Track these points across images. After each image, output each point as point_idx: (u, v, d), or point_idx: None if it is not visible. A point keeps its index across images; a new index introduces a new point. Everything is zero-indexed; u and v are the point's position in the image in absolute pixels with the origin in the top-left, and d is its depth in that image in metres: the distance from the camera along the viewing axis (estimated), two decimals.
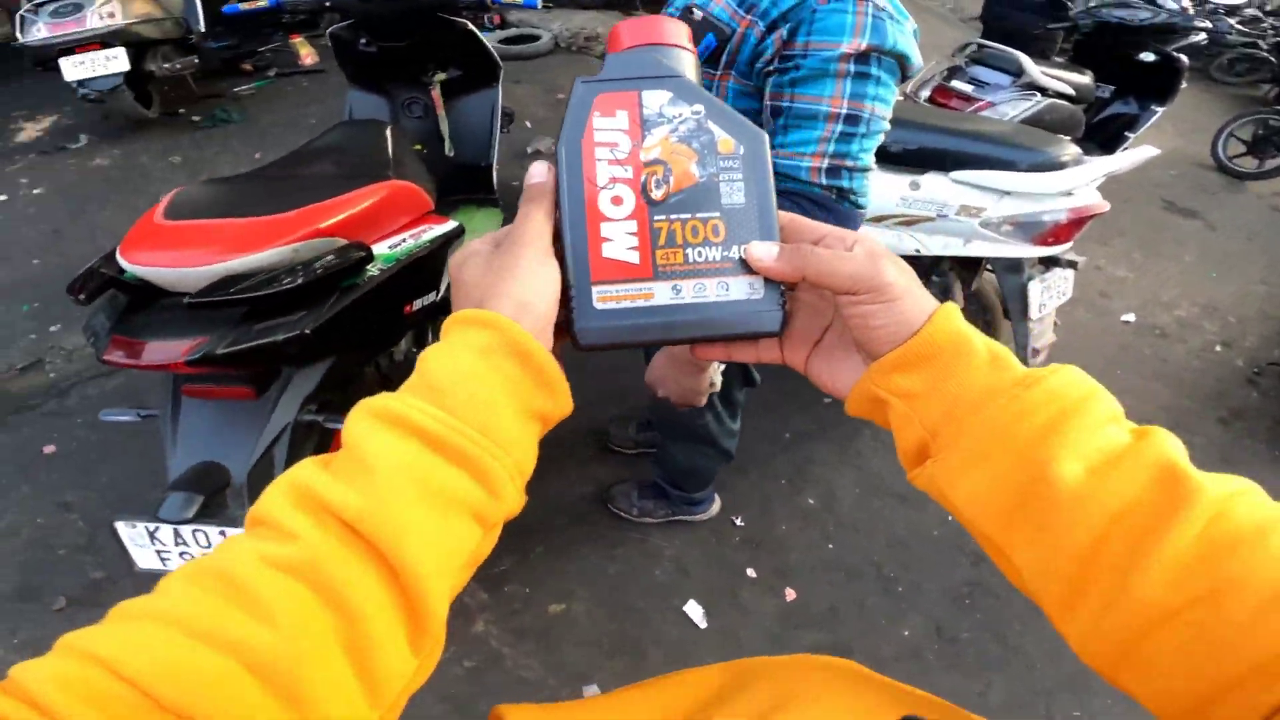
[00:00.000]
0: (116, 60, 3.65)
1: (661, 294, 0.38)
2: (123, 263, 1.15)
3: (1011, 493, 0.33)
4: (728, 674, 0.48)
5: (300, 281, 1.13)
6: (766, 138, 0.39)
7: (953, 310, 0.37)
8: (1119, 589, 0.30)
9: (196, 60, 4.30)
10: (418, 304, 1.49)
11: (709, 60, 0.91)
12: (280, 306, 1.17)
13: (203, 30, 4.27)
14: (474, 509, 0.32)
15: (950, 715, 0.41)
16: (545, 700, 1.44)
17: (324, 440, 1.31)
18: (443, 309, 1.72)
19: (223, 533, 1.11)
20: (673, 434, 1.60)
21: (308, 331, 1.15)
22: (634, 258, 0.37)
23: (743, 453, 1.96)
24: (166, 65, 4.10)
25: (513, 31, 5.21)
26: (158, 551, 1.14)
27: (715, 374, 0.97)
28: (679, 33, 0.40)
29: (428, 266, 1.47)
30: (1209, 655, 0.27)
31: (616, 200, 0.37)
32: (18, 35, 3.67)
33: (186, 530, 1.11)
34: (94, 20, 3.63)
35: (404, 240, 1.42)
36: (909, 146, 1.93)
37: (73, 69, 3.64)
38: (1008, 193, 1.85)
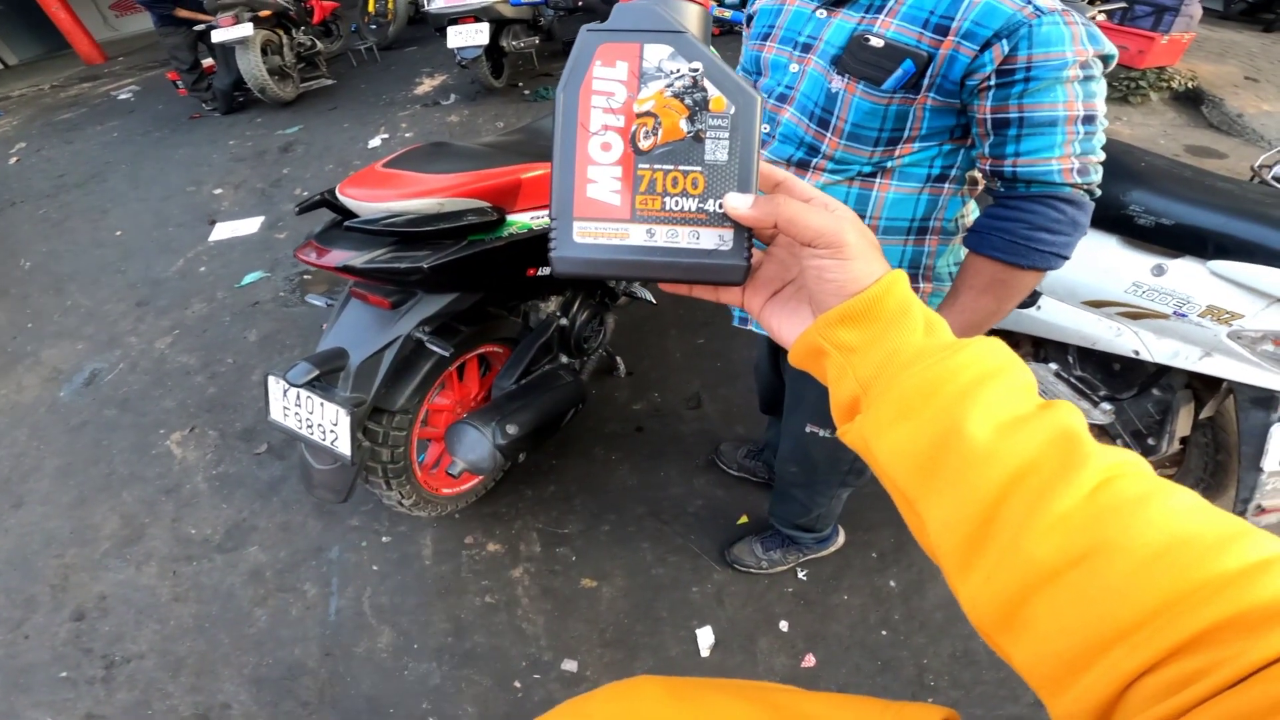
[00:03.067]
0: (481, 34, 4.52)
1: (636, 235, 0.41)
2: (337, 192, 1.50)
3: (927, 445, 0.35)
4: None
5: (426, 228, 1.37)
6: (759, 100, 0.41)
7: (899, 277, 0.39)
8: (1011, 548, 0.31)
9: (537, 40, 5.10)
10: (543, 271, 1.67)
11: (908, 86, 0.92)
12: (414, 243, 1.42)
13: (554, 14, 5.05)
14: None
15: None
16: (515, 655, 1.54)
17: (422, 354, 1.56)
18: (573, 282, 1.90)
19: (321, 404, 1.41)
20: (824, 478, 1.47)
21: (424, 266, 1.39)
22: (615, 200, 0.41)
23: (850, 515, 1.84)
24: (516, 43, 4.96)
25: None
26: (283, 408, 1.49)
27: None
28: None
29: None
30: (1082, 617, 0.29)
31: (605, 146, 0.40)
32: (424, 4, 4.77)
33: (299, 393, 1.44)
34: None
35: (546, 216, 1.60)
36: (1165, 221, 1.50)
37: (454, 37, 4.60)
38: (1278, 300, 1.38)
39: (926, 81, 0.90)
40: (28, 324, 3.18)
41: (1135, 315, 1.57)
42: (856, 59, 0.93)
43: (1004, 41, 0.83)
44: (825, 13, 0.98)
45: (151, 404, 2.56)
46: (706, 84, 0.40)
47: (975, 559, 0.33)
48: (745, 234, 0.41)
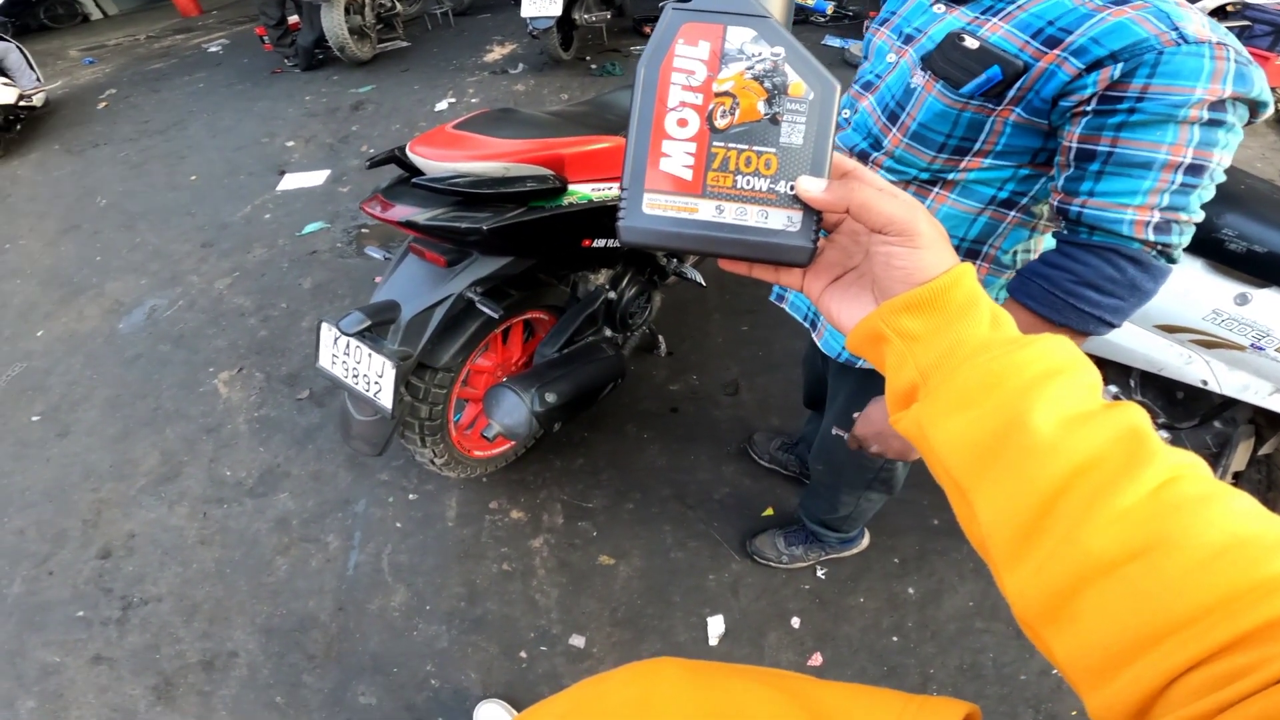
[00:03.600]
0: (555, 4, 4.51)
1: (705, 211, 0.42)
2: (407, 149, 1.52)
3: (988, 435, 0.35)
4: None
5: (488, 191, 1.38)
6: (839, 89, 0.41)
7: (968, 270, 0.39)
8: (1068, 539, 0.31)
9: (609, 16, 5.06)
10: (599, 242, 1.66)
11: (990, 94, 0.83)
12: (476, 204, 1.44)
13: None
14: None
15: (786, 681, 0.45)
16: (524, 626, 1.57)
17: (471, 314, 1.57)
18: (625, 256, 1.90)
19: (370, 354, 1.44)
20: (845, 479, 1.46)
21: (484, 228, 1.40)
22: (687, 175, 0.41)
23: (876, 519, 1.79)
24: (588, 16, 4.94)
25: None
26: (333, 356, 1.53)
27: None
28: None
29: (615, 215, 1.63)
30: (1136, 610, 0.29)
31: (682, 122, 0.41)
32: None
33: (349, 342, 1.47)
34: None
35: (606, 189, 1.59)
36: (1258, 248, 1.40)
37: (528, 6, 4.60)
38: None
39: (1014, 93, 0.81)
40: (96, 257, 3.34)
41: (1210, 344, 1.49)
42: (945, 57, 0.85)
43: (1119, 65, 0.72)
44: (943, 8, 0.89)
45: (204, 342, 2.67)
46: (787, 69, 0.40)
47: (1028, 549, 0.33)
48: (814, 217, 0.41)
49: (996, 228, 0.95)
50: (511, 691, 1.56)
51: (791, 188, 0.41)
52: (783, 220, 0.41)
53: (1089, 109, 0.76)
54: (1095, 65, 0.74)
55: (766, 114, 0.41)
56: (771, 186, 0.41)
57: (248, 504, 2.02)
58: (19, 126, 4.79)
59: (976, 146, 0.88)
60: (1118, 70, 0.73)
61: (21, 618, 1.77)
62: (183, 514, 2.01)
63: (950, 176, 0.93)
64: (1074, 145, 0.78)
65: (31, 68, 4.89)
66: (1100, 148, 0.76)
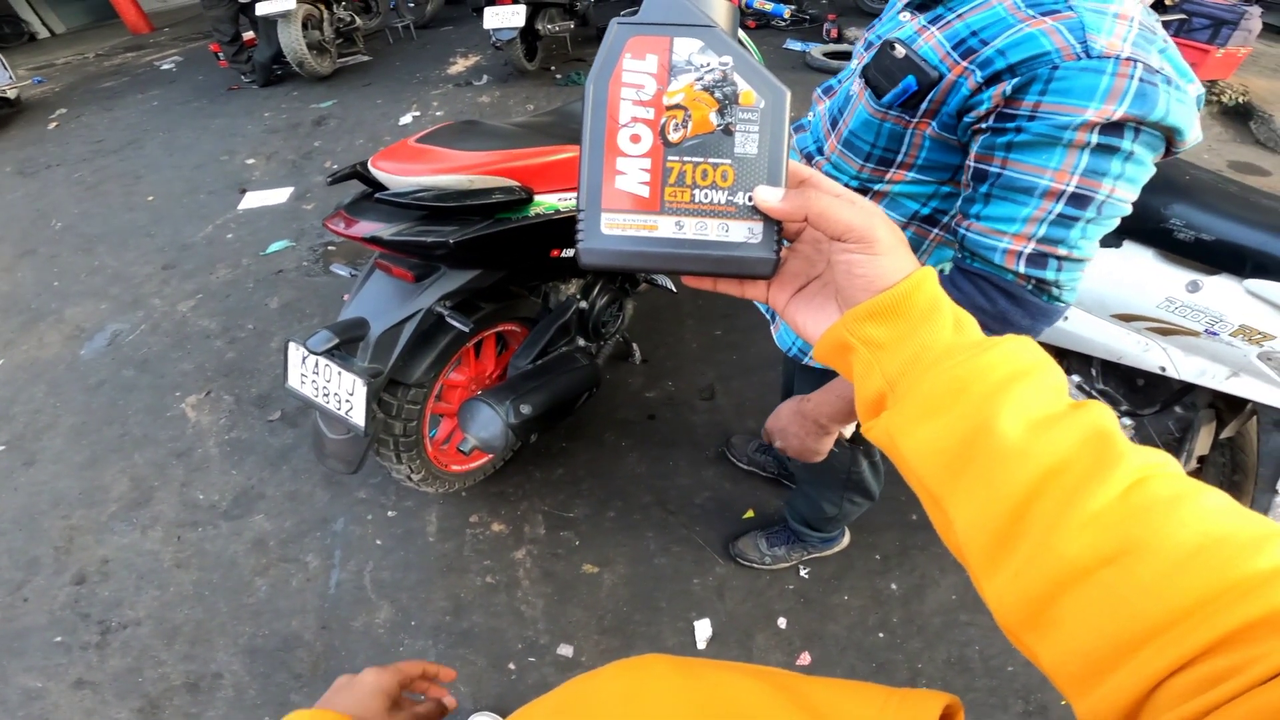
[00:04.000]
0: (517, 16, 4.52)
1: (665, 227, 0.41)
2: (369, 164, 1.51)
3: (956, 442, 0.35)
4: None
5: (454, 204, 1.37)
6: (788, 95, 0.40)
7: (929, 274, 0.39)
8: (1041, 545, 0.31)
9: (572, 25, 5.08)
10: (568, 252, 1.66)
11: (905, 105, 0.79)
12: (441, 217, 1.42)
13: (591, 0, 5.02)
14: None
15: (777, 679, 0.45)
16: (512, 637, 1.56)
17: (442, 328, 1.56)
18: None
19: (339, 373, 1.42)
20: (821, 480, 1.50)
21: (450, 241, 1.39)
22: (644, 191, 0.41)
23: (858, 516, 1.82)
24: (551, 26, 4.95)
25: (843, 47, 5.10)
26: (301, 375, 1.50)
27: (848, 429, 0.97)
28: None
29: None
30: (1113, 616, 0.28)
31: (635, 138, 0.40)
32: None
33: (317, 361, 1.45)
34: None
35: (574, 198, 1.59)
36: (1205, 236, 1.45)
37: (491, 18, 4.60)
38: None
39: (927, 106, 0.77)
40: (54, 282, 3.25)
41: (1165, 331, 1.54)
42: (876, 66, 0.80)
43: (1014, 80, 0.67)
44: (907, 16, 0.84)
45: (170, 366, 2.60)
46: (736, 78, 0.40)
47: (1004, 556, 0.32)
48: (774, 227, 0.41)
49: (920, 244, 0.92)
50: (502, 703, 1.54)
51: (750, 199, 0.40)
52: (744, 232, 0.41)
53: (985, 126, 0.72)
54: (994, 79, 0.69)
55: (719, 125, 0.40)
56: (730, 199, 0.40)
57: (223, 526, 1.98)
58: None
59: (899, 159, 0.85)
60: (1010, 86, 0.68)
61: (0, 643, 1.73)
62: (156, 538, 1.96)
63: (877, 188, 0.90)
64: (971, 165, 0.75)
65: (5, 68, 5.59)
66: (991, 168, 0.72)
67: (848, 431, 0.98)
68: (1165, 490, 0.30)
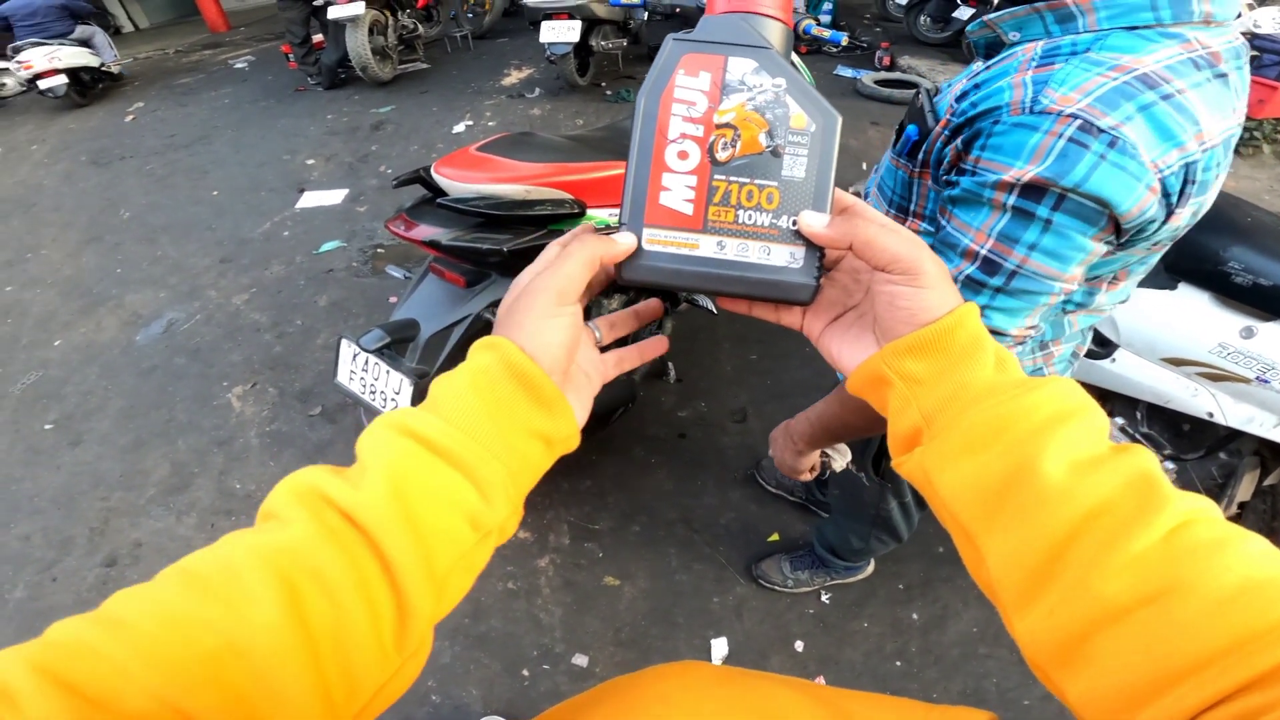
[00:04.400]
0: (573, 31, 4.61)
1: (706, 246, 0.40)
2: (432, 170, 1.57)
3: (996, 481, 0.35)
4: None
5: (510, 213, 1.42)
6: (839, 120, 0.40)
7: (972, 310, 0.38)
8: (1079, 584, 0.31)
9: (625, 42, 5.17)
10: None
11: (909, 154, 0.79)
12: (497, 225, 1.47)
13: (644, 18, 5.11)
14: (466, 511, 0.35)
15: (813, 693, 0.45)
16: (528, 644, 1.56)
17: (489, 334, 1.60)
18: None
19: (388, 371, 1.47)
20: (851, 513, 1.50)
21: (504, 249, 1.44)
22: (688, 209, 0.40)
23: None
24: (605, 43, 5.04)
25: (895, 75, 5.08)
26: (350, 372, 1.56)
27: (837, 460, 1.00)
28: (776, 2, 0.41)
29: None
30: (1149, 654, 0.28)
31: (683, 155, 0.40)
32: None
33: (368, 359, 1.50)
34: None
35: None
36: (1263, 281, 1.42)
37: (547, 32, 4.70)
38: None
39: (921, 156, 0.77)
40: (117, 269, 3.41)
41: (1216, 377, 1.50)
42: (907, 111, 0.81)
43: (966, 133, 0.67)
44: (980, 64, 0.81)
45: (220, 356, 2.71)
46: (789, 100, 0.39)
47: (1039, 593, 0.32)
48: (817, 253, 0.40)
49: None
50: (513, 709, 1.56)
51: (794, 223, 0.40)
52: (785, 256, 0.40)
53: (946, 179, 0.72)
54: (956, 132, 0.69)
55: (768, 146, 0.40)
56: (774, 221, 0.40)
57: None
58: (100, 86, 6.39)
59: (911, 208, 0.85)
60: (963, 139, 0.67)
61: (22, 623, 1.78)
62: (191, 525, 2.03)
63: None
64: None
65: (110, 47, 6.52)
66: (940, 220, 0.71)
67: (839, 461, 1.00)
68: (1208, 535, 0.30)
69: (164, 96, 6.21)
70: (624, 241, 0.40)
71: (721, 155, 0.40)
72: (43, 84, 5.69)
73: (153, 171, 4.53)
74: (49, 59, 5.66)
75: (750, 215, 0.40)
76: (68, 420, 2.44)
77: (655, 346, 0.50)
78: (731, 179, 0.40)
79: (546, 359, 0.38)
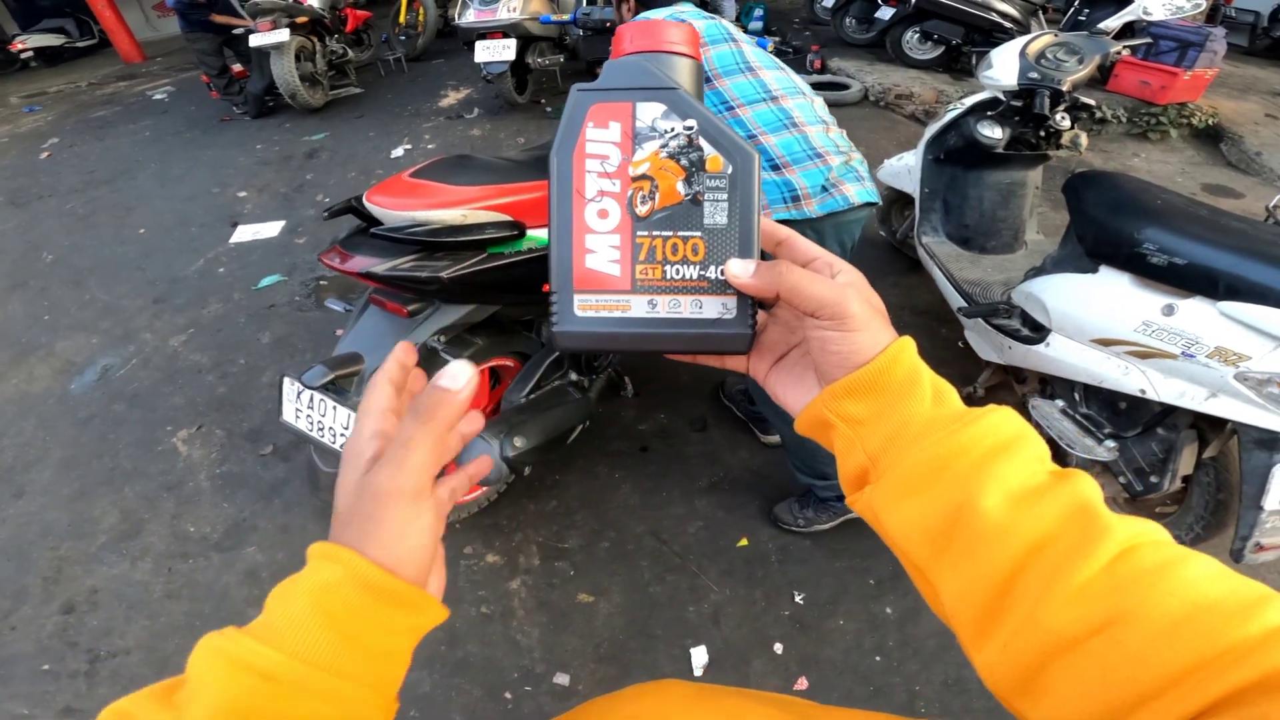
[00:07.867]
0: (508, 50, 4.60)
1: (638, 307, 0.39)
2: (364, 199, 1.54)
3: (939, 520, 0.35)
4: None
5: (447, 239, 1.40)
6: (757, 158, 0.39)
7: (906, 345, 0.38)
8: (1029, 619, 0.31)
9: (562, 59, 5.18)
10: None
11: None
12: (435, 252, 1.45)
13: (580, 33, 5.13)
14: None
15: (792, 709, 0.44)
16: (507, 667, 1.54)
17: (436, 363, 1.58)
18: None
19: (334, 407, 1.43)
20: (787, 419, 1.62)
21: (443, 276, 1.41)
22: (615, 270, 0.39)
23: (850, 542, 1.87)
24: (541, 60, 5.04)
25: (826, 78, 5.23)
26: (296, 410, 1.51)
27: None
28: (681, 38, 0.40)
29: None
30: (1104, 683, 0.29)
31: (603, 214, 0.38)
32: (454, 18, 4.87)
33: (312, 395, 1.46)
34: (503, 12, 4.62)
35: None
36: (1178, 260, 1.50)
37: (481, 52, 4.68)
38: None
39: None
40: (44, 315, 3.24)
41: (1144, 354, 1.58)
42: None
43: None
44: None
45: (161, 400, 2.59)
46: (702, 142, 0.38)
47: (992, 629, 0.33)
48: (749, 301, 0.40)
49: None
50: None
51: (722, 273, 0.39)
52: (718, 308, 0.39)
53: None
54: None
55: (687, 195, 0.38)
56: (702, 273, 0.39)
57: (214, 558, 1.97)
58: None
59: None
60: None
61: None
62: (146, 569, 1.95)
63: None
64: None
65: None
66: None
67: None
68: (1150, 560, 0.30)
69: (80, 131, 5.93)
70: (462, 391, 0.36)
71: (641, 209, 0.38)
72: None
73: (74, 210, 4.32)
74: None
75: (677, 269, 0.39)
76: (8, 473, 2.32)
77: (480, 467, 0.45)
78: (655, 234, 0.39)
79: (411, 568, 0.34)
